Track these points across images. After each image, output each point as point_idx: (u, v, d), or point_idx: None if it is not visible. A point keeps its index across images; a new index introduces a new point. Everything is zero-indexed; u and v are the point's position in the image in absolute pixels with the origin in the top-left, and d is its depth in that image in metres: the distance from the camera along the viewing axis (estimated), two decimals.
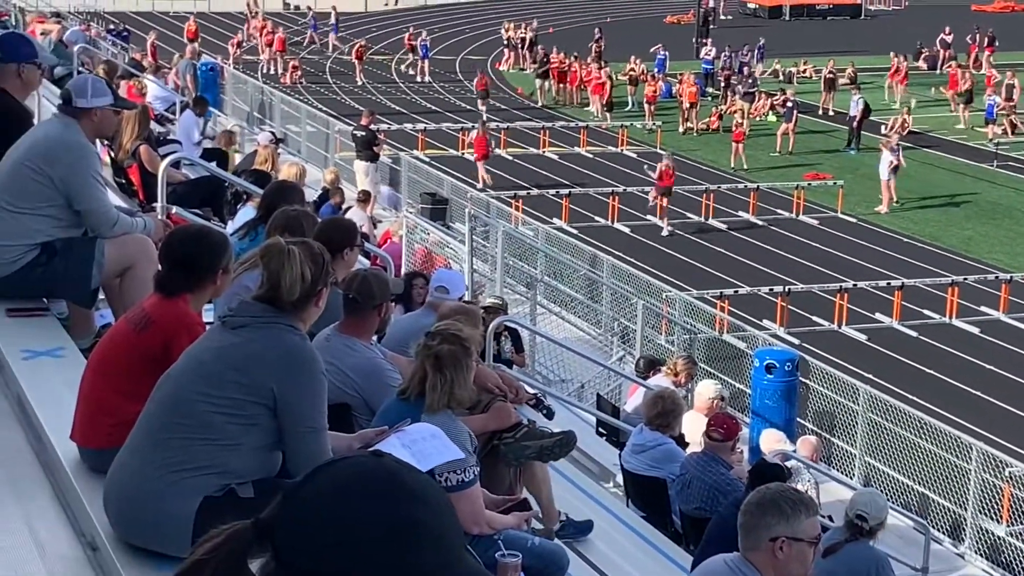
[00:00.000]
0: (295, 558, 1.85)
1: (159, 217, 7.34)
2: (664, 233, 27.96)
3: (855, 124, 37.26)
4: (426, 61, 46.40)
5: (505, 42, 50.55)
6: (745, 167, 34.44)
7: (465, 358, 5.56)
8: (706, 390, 12.15)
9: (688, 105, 39.36)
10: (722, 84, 43.69)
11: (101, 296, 6.52)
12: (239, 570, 1.92)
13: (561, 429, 6.99)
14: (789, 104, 37.46)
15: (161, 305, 4.97)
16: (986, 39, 51.17)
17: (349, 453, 4.36)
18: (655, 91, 40.20)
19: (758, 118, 39.65)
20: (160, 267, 5.22)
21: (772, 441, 12.32)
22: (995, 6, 69.15)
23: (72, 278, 6.28)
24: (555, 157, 34.84)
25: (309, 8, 51.39)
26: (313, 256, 4.44)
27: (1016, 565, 14.45)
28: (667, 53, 45.64)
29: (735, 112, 38.98)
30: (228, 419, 4.27)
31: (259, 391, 4.27)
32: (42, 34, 17.00)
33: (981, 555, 14.68)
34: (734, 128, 36.18)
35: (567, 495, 8.11)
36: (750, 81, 42.41)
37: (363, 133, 25.21)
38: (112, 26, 42.42)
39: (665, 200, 28.23)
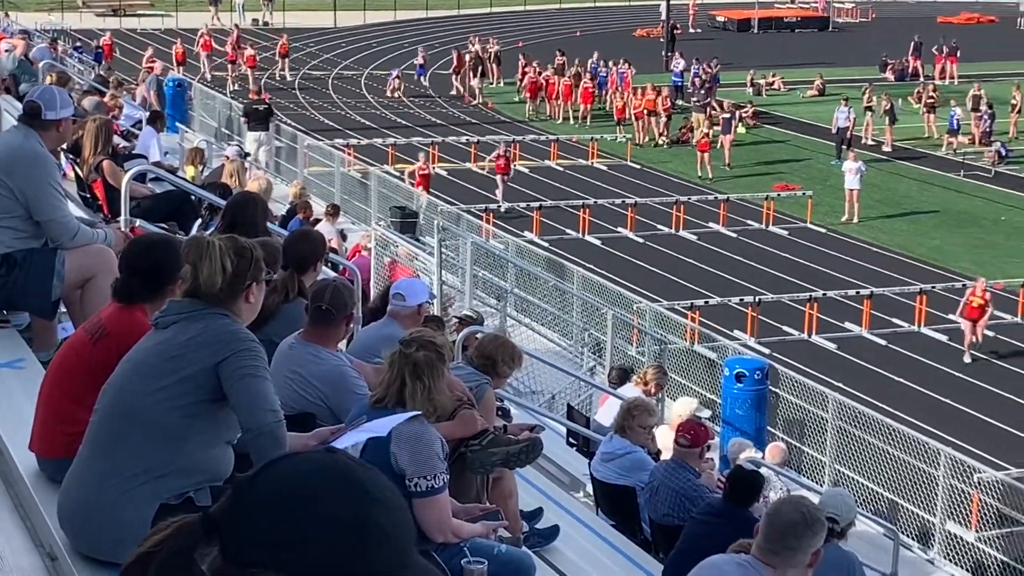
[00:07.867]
0: (242, 552, 1.80)
1: (120, 228, 7.29)
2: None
3: (846, 135, 36.63)
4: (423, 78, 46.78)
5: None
6: (711, 176, 34.51)
7: (441, 364, 5.55)
8: (680, 408, 12.16)
9: (666, 119, 39.39)
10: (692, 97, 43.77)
11: (63, 308, 6.47)
12: (185, 565, 1.85)
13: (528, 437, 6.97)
14: (725, 116, 37.25)
15: (117, 314, 4.94)
16: (950, 49, 51.32)
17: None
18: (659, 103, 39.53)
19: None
20: (119, 276, 5.18)
21: (738, 449, 12.33)
22: (960, 18, 69.47)
23: (32, 289, 6.24)
24: (526, 171, 34.84)
25: (102, 29, 48.47)
26: (238, 249, 4.40)
27: (985, 570, 14.50)
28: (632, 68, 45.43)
29: (697, 125, 38.89)
30: (169, 411, 4.24)
31: (198, 375, 4.24)
32: (6, 50, 16.90)
33: (950, 560, 14.74)
34: (697, 138, 36.22)
35: (536, 504, 8.09)
36: (703, 92, 42.07)
37: (264, 107, 28.52)
38: (79, 43, 42.15)
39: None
